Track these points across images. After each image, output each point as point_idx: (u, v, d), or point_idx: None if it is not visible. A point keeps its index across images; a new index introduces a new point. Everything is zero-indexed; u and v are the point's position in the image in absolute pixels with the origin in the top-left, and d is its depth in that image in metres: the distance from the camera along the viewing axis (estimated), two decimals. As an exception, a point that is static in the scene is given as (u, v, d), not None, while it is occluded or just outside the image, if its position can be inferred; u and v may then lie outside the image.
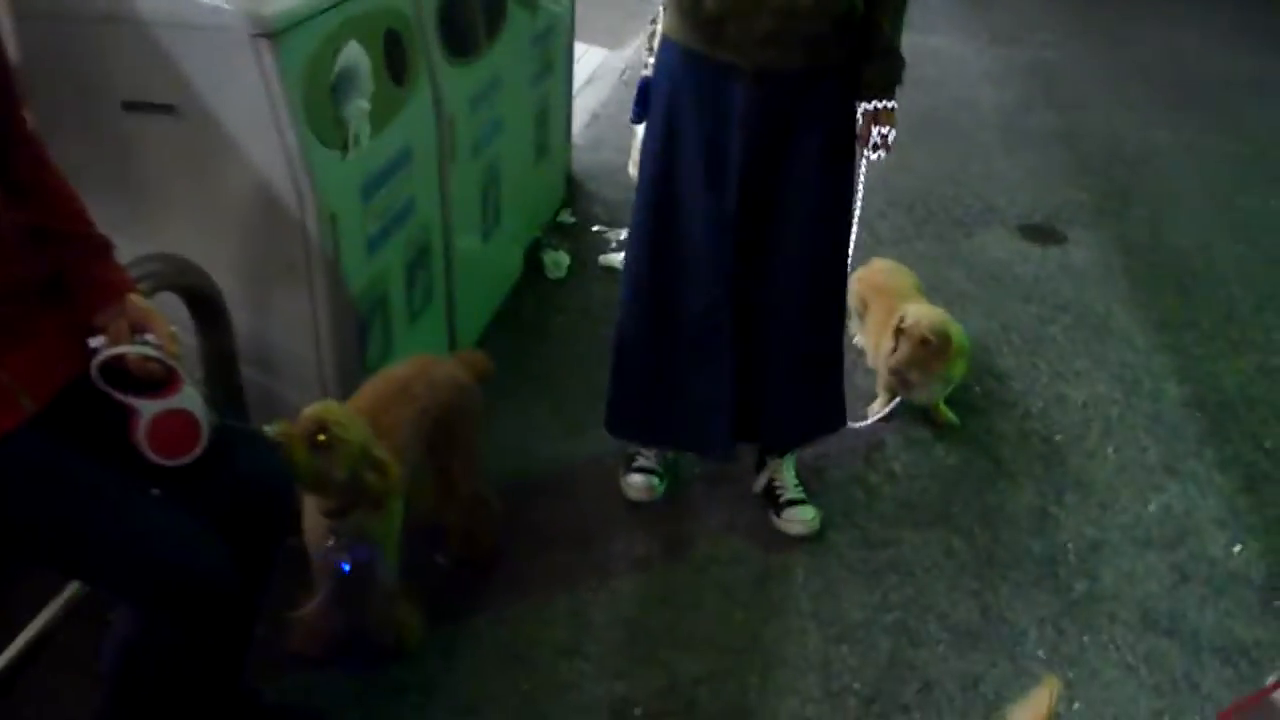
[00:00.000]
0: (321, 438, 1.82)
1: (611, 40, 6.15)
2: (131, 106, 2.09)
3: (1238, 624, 2.40)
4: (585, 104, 5.20)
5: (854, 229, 2.42)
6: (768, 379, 2.43)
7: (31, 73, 2.14)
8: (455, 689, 2.13)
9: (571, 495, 2.67)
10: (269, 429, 1.73)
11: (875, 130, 2.24)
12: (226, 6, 1.98)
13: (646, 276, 2.39)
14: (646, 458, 2.66)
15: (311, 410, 1.87)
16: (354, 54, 2.19)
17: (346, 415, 1.91)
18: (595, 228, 3.96)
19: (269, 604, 1.84)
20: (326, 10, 2.12)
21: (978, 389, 3.17)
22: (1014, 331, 3.48)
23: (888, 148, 2.26)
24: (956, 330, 2.89)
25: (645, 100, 2.37)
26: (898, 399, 2.96)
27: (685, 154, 2.25)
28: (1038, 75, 6.10)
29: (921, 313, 2.88)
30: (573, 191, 4.21)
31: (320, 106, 2.12)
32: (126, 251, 2.12)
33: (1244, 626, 2.39)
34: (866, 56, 2.18)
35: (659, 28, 2.33)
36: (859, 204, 2.38)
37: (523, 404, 2.96)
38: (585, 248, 3.82)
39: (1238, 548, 2.62)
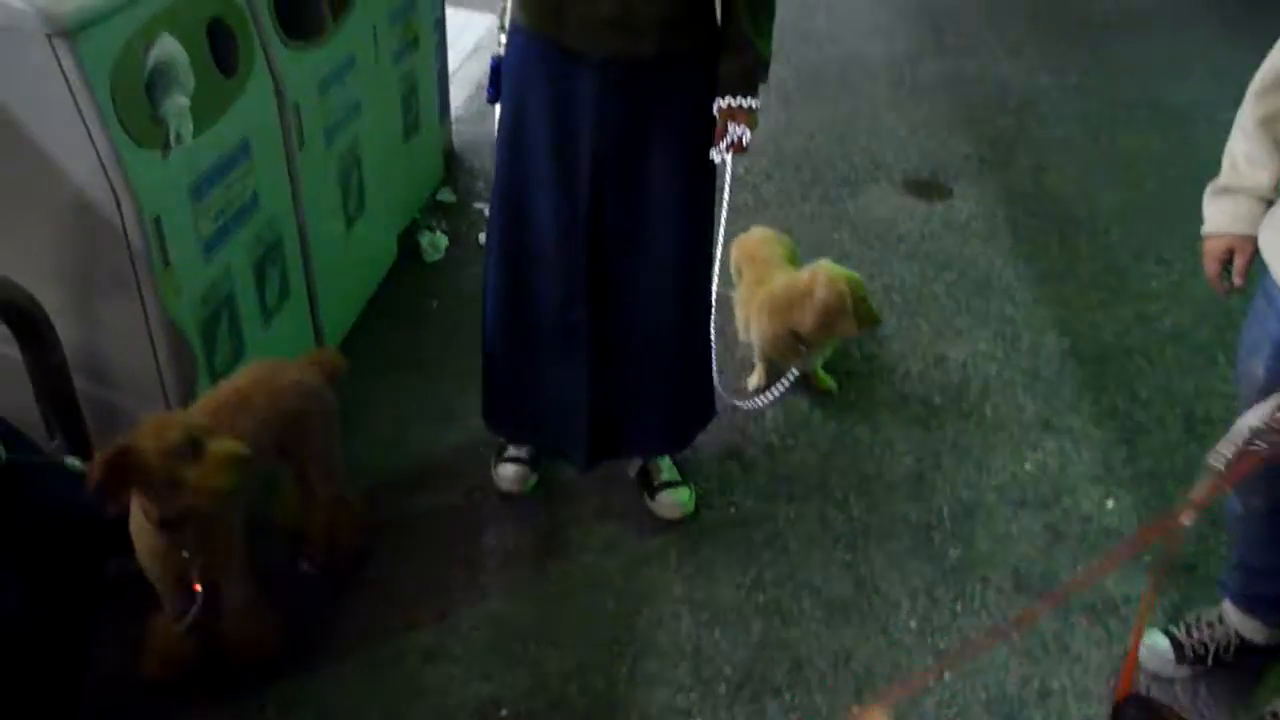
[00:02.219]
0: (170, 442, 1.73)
1: (492, 5, 6.00)
2: (-79, 116, 1.97)
3: (1108, 580, 2.43)
4: (469, 74, 5.07)
5: (720, 221, 2.28)
6: (629, 384, 2.36)
7: None
8: (316, 701, 2.08)
9: (443, 488, 2.61)
10: (71, 460, 1.65)
11: (731, 130, 2.08)
12: (18, 5, 1.86)
13: (501, 270, 2.32)
14: (518, 448, 2.61)
15: (151, 419, 1.79)
16: (169, 48, 2.07)
17: (181, 415, 1.84)
18: (477, 205, 3.87)
19: (115, 633, 1.77)
20: (131, 6, 2.00)
21: (857, 353, 3.15)
22: (896, 291, 3.47)
23: (741, 149, 2.10)
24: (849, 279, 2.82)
25: (497, 79, 2.25)
26: (784, 374, 2.91)
27: (534, 145, 2.14)
28: (926, 23, 6.07)
29: (836, 273, 2.80)
30: (453, 168, 4.11)
31: (133, 106, 2.01)
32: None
33: (1114, 583, 2.42)
34: (723, 49, 2.07)
35: (507, 3, 2.20)
36: (725, 194, 2.22)
37: (395, 394, 2.89)
38: (466, 227, 3.73)
39: (1110, 503, 2.65)
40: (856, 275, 2.83)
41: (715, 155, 2.12)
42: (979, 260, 3.67)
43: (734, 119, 2.09)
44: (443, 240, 3.59)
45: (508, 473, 2.58)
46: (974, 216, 3.95)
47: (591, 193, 2.14)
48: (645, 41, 2.01)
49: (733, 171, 2.16)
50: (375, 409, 2.81)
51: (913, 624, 2.30)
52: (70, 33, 1.87)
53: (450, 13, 4.18)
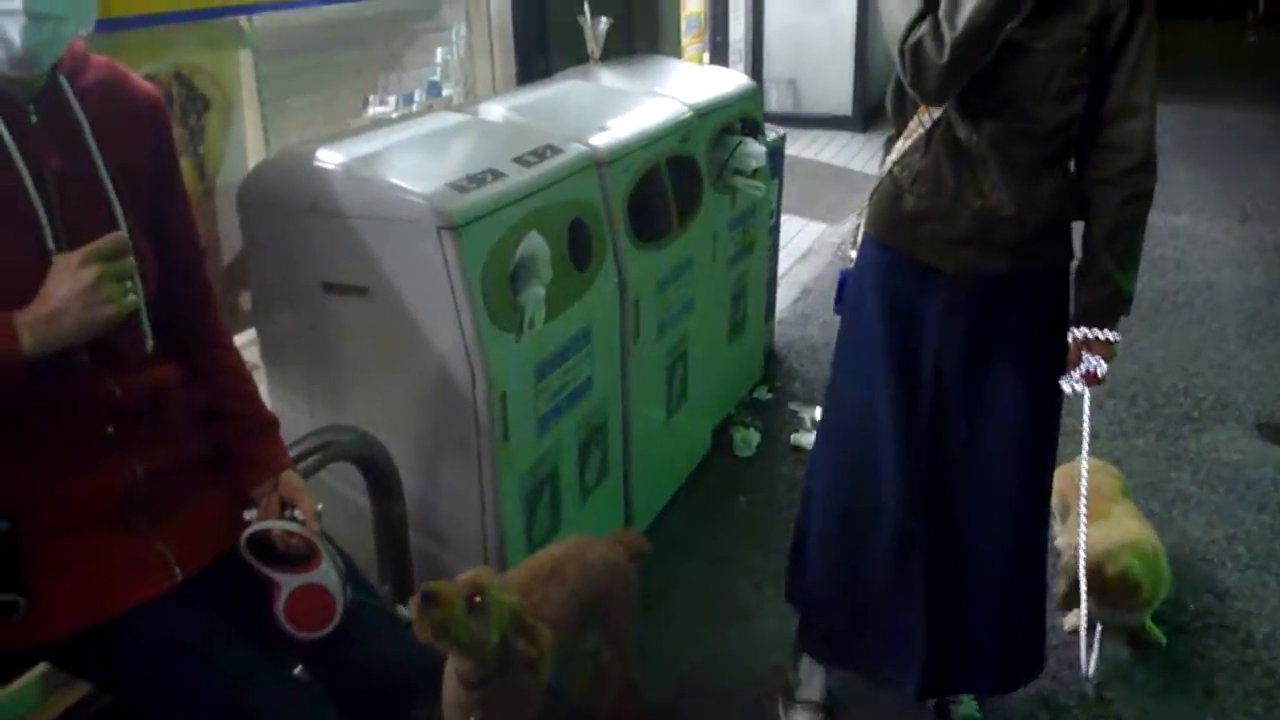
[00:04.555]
0: (477, 599, 1.86)
1: (831, 215, 6.22)
2: (330, 288, 2.28)
3: None
4: (798, 277, 5.25)
5: (1083, 455, 2.21)
6: (966, 610, 2.22)
7: (250, 258, 2.38)
8: None
9: (726, 695, 2.56)
10: (403, 609, 1.78)
11: (1086, 361, 2.04)
12: (418, 201, 2.15)
13: (831, 474, 2.28)
14: (810, 692, 2.43)
15: (468, 574, 1.92)
16: (534, 244, 2.30)
17: (501, 581, 1.95)
18: (792, 405, 3.93)
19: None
20: (509, 205, 2.26)
21: (1192, 606, 2.87)
22: (1242, 544, 3.15)
23: (1096, 381, 2.04)
24: (1139, 559, 2.59)
25: (843, 293, 2.28)
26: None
27: (875, 354, 2.13)
28: (1291, 257, 5.68)
29: (1099, 547, 2.55)
30: (773, 368, 4.22)
31: (498, 293, 2.24)
32: (315, 418, 2.29)
33: None
34: (1082, 278, 2.04)
35: (861, 222, 2.24)
36: (1086, 425, 2.15)
37: (694, 584, 2.92)
38: (779, 425, 3.79)
39: None
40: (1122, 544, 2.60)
41: (1066, 385, 2.07)
42: (1344, 519, 3.28)
43: (1089, 350, 2.04)
44: (755, 437, 3.66)
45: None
46: (1339, 470, 3.56)
47: (933, 407, 2.11)
48: (997, 258, 2.02)
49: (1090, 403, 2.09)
50: (670, 597, 2.85)
51: None
52: (457, 228, 2.13)
53: (784, 219, 4.38)
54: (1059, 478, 2.94)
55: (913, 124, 2.02)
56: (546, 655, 1.95)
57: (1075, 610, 2.75)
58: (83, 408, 1.50)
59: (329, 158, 2.24)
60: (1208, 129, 8.71)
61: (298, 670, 1.71)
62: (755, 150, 3.40)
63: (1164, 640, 2.71)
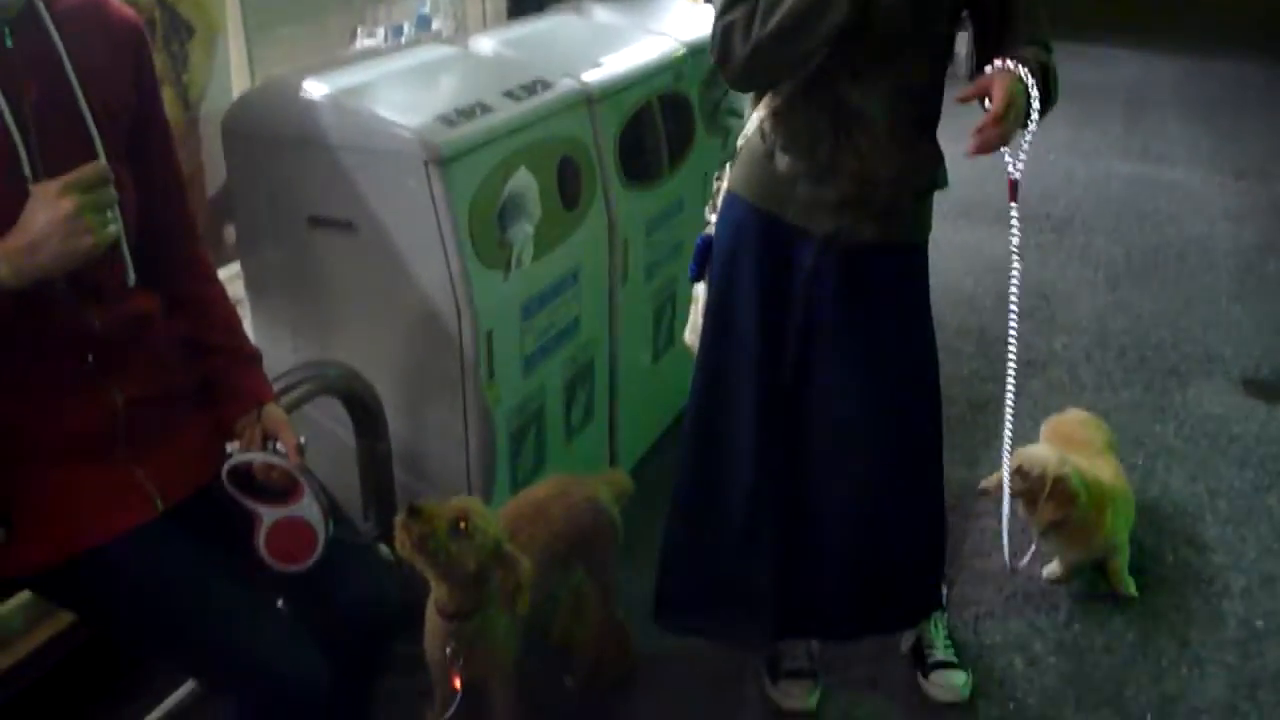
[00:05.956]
0: (462, 525, 1.86)
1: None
2: (316, 221, 2.25)
3: None
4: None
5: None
6: (824, 562, 2.23)
7: (234, 190, 2.34)
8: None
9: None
10: (384, 548, 1.78)
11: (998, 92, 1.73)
12: (405, 134, 2.11)
13: (696, 452, 2.26)
14: (795, 657, 2.41)
15: (459, 500, 1.93)
16: (523, 180, 2.28)
17: (488, 511, 1.95)
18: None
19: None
20: (498, 140, 2.23)
21: (1171, 558, 2.89)
22: (1222, 498, 3.17)
23: (995, 134, 1.72)
24: (1080, 475, 2.61)
25: (704, 259, 2.19)
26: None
27: (741, 320, 2.10)
28: (1284, 213, 5.67)
29: (1036, 454, 2.63)
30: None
31: (484, 229, 2.22)
32: (299, 353, 2.28)
33: None
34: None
35: (724, 184, 2.16)
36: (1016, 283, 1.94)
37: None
38: (766, 371, 3.78)
39: None
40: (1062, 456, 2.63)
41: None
42: (1326, 475, 3.30)
43: (994, 86, 1.75)
44: (742, 382, 3.65)
45: (792, 689, 2.37)
46: (1323, 427, 3.57)
47: (797, 371, 2.09)
48: (869, 225, 1.99)
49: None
50: (652, 539, 2.86)
51: None
52: (444, 161, 2.10)
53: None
54: (1047, 428, 2.98)
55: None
56: (525, 587, 1.95)
57: (1055, 560, 2.79)
58: (61, 338, 1.48)
59: (315, 88, 2.20)
60: (1205, 83, 8.63)
61: (279, 604, 1.71)
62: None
63: (1134, 592, 2.73)
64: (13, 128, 1.38)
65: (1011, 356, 1.95)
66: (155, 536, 1.54)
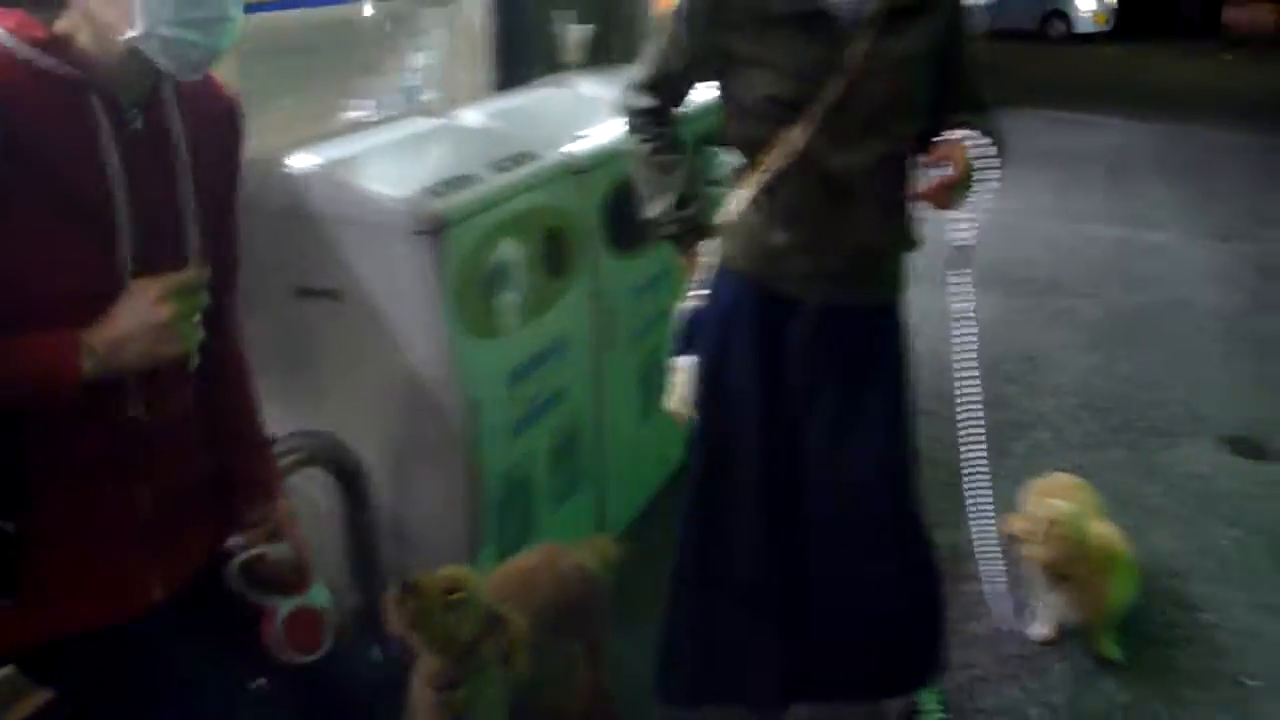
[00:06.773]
0: (455, 595, 1.86)
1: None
2: (304, 293, 2.27)
3: None
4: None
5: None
6: (831, 629, 2.21)
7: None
8: None
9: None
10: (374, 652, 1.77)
11: (941, 167, 1.84)
12: (394, 205, 2.15)
13: (699, 521, 2.25)
14: None
15: (449, 569, 1.93)
16: (509, 252, 2.31)
17: (478, 578, 1.95)
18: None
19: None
20: (486, 210, 2.26)
21: (1161, 618, 2.89)
22: (1210, 556, 3.18)
23: (941, 195, 1.85)
24: (1102, 538, 2.65)
25: (690, 333, 2.19)
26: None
27: (739, 386, 2.11)
28: (1271, 276, 5.73)
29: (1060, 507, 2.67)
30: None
31: (472, 298, 2.24)
32: (285, 423, 2.28)
33: None
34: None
35: (710, 259, 2.13)
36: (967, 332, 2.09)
37: (661, 595, 2.91)
38: (755, 435, 3.79)
39: None
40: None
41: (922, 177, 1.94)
42: (1312, 533, 3.31)
43: (949, 158, 1.84)
44: (731, 446, 3.65)
45: None
46: (1309, 485, 3.59)
47: (792, 433, 2.11)
48: (856, 291, 2.04)
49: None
50: (644, 606, 2.84)
51: None
52: (433, 231, 2.13)
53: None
54: (1032, 494, 2.98)
55: (773, 155, 1.96)
56: (520, 647, 1.95)
57: (1044, 620, 2.78)
58: (107, 424, 1.42)
59: (306, 161, 2.24)
60: (1190, 147, 8.79)
61: (260, 683, 1.69)
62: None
63: (1118, 655, 2.71)
64: (123, 211, 1.35)
65: (973, 421, 2.12)
66: (150, 624, 1.50)
